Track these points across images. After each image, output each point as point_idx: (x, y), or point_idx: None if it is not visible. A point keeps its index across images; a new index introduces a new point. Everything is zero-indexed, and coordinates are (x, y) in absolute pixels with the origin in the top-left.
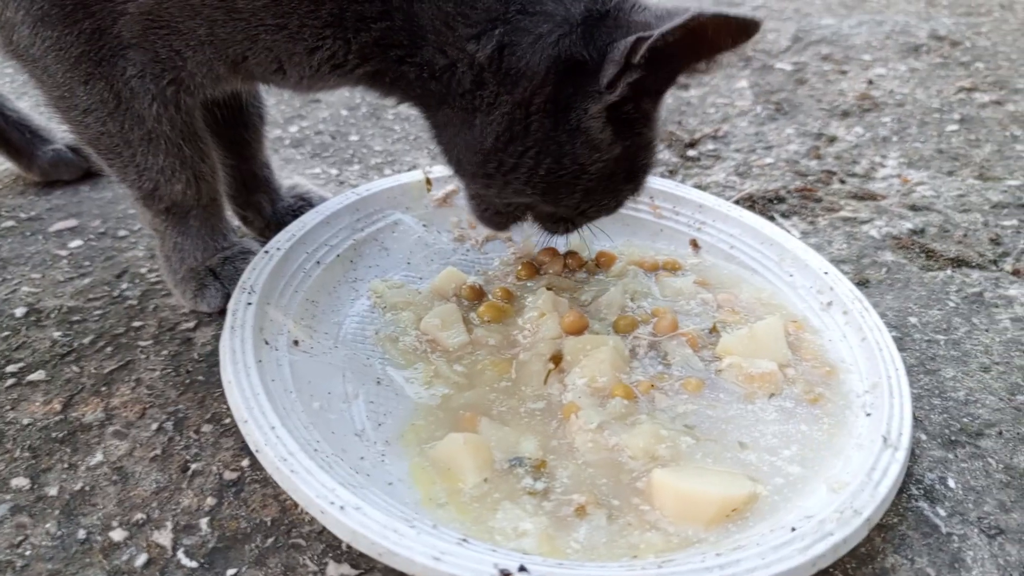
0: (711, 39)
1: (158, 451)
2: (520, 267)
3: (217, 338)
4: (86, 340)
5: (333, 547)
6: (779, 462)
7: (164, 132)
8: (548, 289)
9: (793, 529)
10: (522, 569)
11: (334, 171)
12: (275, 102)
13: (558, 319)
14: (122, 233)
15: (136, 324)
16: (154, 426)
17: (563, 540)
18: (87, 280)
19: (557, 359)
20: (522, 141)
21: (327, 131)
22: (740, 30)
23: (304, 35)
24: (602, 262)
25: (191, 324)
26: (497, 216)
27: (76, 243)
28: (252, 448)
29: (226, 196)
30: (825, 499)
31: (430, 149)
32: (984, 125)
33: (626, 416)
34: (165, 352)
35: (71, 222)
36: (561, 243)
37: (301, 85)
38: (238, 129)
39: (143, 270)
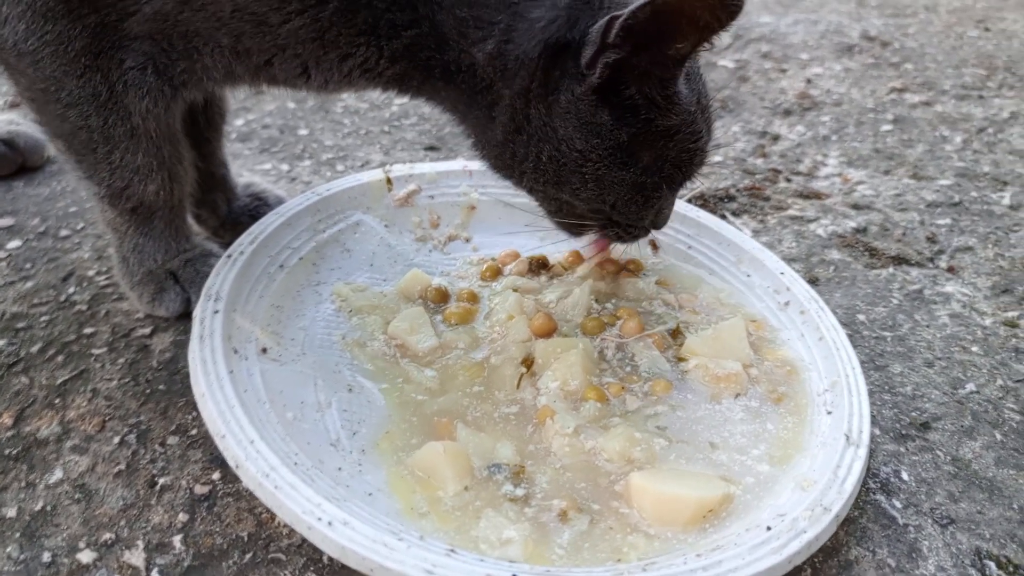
0: (689, 17)
1: (122, 466)
2: (484, 268)
3: (176, 344)
4: (34, 348)
5: (314, 560)
6: (749, 461)
7: (148, 130)
8: (514, 291)
9: (768, 528)
10: None
11: (285, 167)
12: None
13: (527, 321)
14: (64, 233)
15: (88, 331)
16: (116, 439)
17: (548, 546)
18: (30, 284)
19: (528, 362)
20: (524, 130)
21: (275, 125)
22: (719, 7)
23: (339, 43)
24: (567, 263)
25: (147, 330)
26: (568, 224)
27: (14, 244)
28: (231, 464)
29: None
30: (795, 497)
31: (383, 144)
32: (916, 125)
33: (600, 419)
34: (121, 360)
35: (7, 220)
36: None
37: (324, 88)
38: (200, 126)
39: (91, 272)
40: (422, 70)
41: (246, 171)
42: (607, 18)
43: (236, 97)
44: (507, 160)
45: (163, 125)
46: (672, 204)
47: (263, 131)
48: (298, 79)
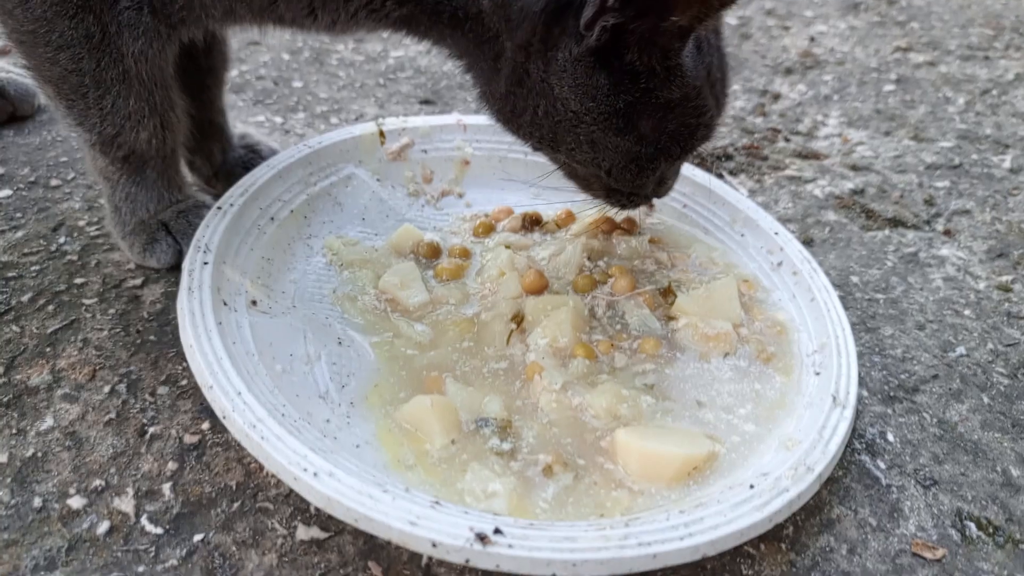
0: None
1: (112, 415)
2: (477, 224)
3: (166, 295)
4: (24, 298)
5: (301, 510)
6: (735, 420)
7: (140, 73)
8: (506, 247)
9: (751, 487)
10: (497, 531)
11: (278, 119)
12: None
13: (518, 278)
14: (55, 183)
15: (78, 281)
16: (106, 389)
17: (532, 500)
18: (20, 233)
19: (519, 319)
20: (524, 84)
21: (269, 76)
22: None
23: None
24: (560, 221)
25: (138, 281)
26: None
27: (5, 193)
28: (219, 414)
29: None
30: (779, 457)
31: (377, 97)
32: (919, 86)
33: (588, 376)
34: (112, 311)
35: None
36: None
37: (332, 29)
38: (200, 73)
39: (81, 223)
40: (429, 14)
41: (239, 123)
42: None
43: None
44: (507, 114)
45: (156, 69)
46: (675, 175)
47: (257, 82)
48: (305, 19)
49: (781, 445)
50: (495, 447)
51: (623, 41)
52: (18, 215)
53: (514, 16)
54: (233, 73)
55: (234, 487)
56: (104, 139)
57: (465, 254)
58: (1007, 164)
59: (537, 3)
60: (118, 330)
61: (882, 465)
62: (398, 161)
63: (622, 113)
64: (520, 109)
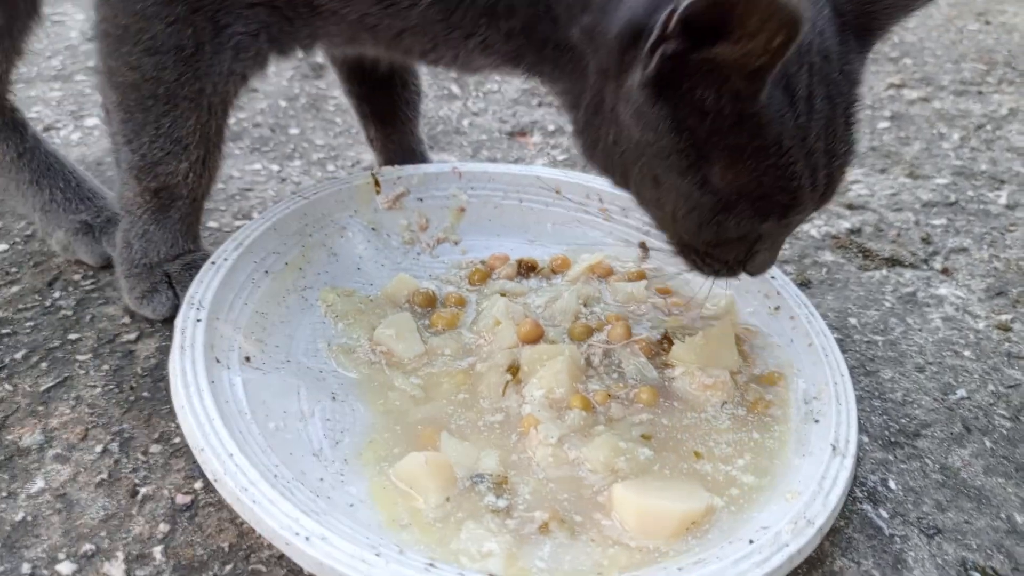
0: (746, 25)
1: (104, 475)
2: (472, 271)
3: (161, 350)
4: (18, 355)
5: (295, 572)
6: (734, 471)
7: (212, 97)
8: (502, 295)
9: (751, 542)
10: None
11: (275, 167)
12: None
13: (514, 327)
14: None
15: (72, 336)
16: (98, 448)
17: (528, 559)
18: (15, 288)
19: (514, 370)
20: (600, 111)
21: (266, 123)
22: (779, 23)
23: (463, 24)
24: (556, 267)
25: (132, 336)
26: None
27: (1, 247)
28: (210, 477)
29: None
30: (779, 509)
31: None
32: (913, 122)
33: (585, 429)
34: (106, 367)
35: None
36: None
37: (453, 64)
38: (394, 107)
39: (76, 276)
40: (535, 49)
41: (235, 171)
42: (669, 9)
43: None
44: (585, 146)
45: (228, 97)
46: (773, 248)
47: (254, 130)
48: (429, 54)
49: (781, 497)
50: (491, 504)
51: (687, 72)
52: (14, 269)
53: (598, 41)
54: (231, 121)
55: (226, 549)
56: (145, 163)
57: (461, 303)
58: (1003, 200)
59: (614, 27)
60: (112, 387)
61: (884, 514)
62: (393, 210)
63: (684, 151)
64: (594, 139)
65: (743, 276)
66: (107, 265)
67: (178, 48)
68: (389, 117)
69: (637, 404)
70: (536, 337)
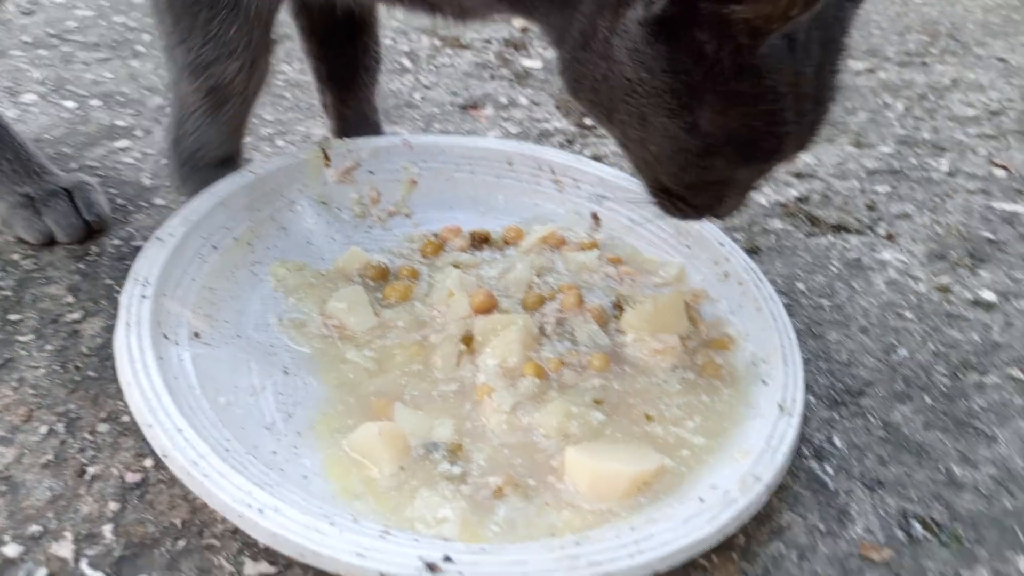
0: None
1: (50, 456)
2: (425, 244)
3: (107, 329)
4: None
5: (249, 545)
6: (684, 433)
7: (249, 7)
8: (455, 267)
9: (701, 500)
10: (447, 559)
11: None
12: (153, 67)
13: (467, 298)
14: None
15: (13, 317)
16: (43, 429)
17: (483, 524)
18: None
19: (468, 340)
20: (590, 45)
21: None
22: None
23: None
24: (508, 238)
25: (77, 315)
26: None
27: None
28: (159, 453)
29: (335, 136)
30: (728, 469)
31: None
32: (859, 93)
33: (538, 395)
34: (50, 347)
35: None
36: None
37: (449, 7)
38: (352, 72)
39: (15, 256)
40: None
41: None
42: None
43: None
44: (572, 81)
45: (264, 9)
46: (740, 194)
47: None
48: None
49: (730, 457)
50: (445, 472)
51: (693, 17)
52: None
53: None
54: None
55: (179, 525)
56: (198, 63)
57: (414, 275)
58: (944, 167)
59: None
60: (56, 367)
61: (830, 470)
62: (344, 183)
63: (677, 93)
64: (582, 74)
65: (693, 242)
66: (49, 243)
67: None
68: (347, 82)
69: (590, 370)
70: (489, 307)
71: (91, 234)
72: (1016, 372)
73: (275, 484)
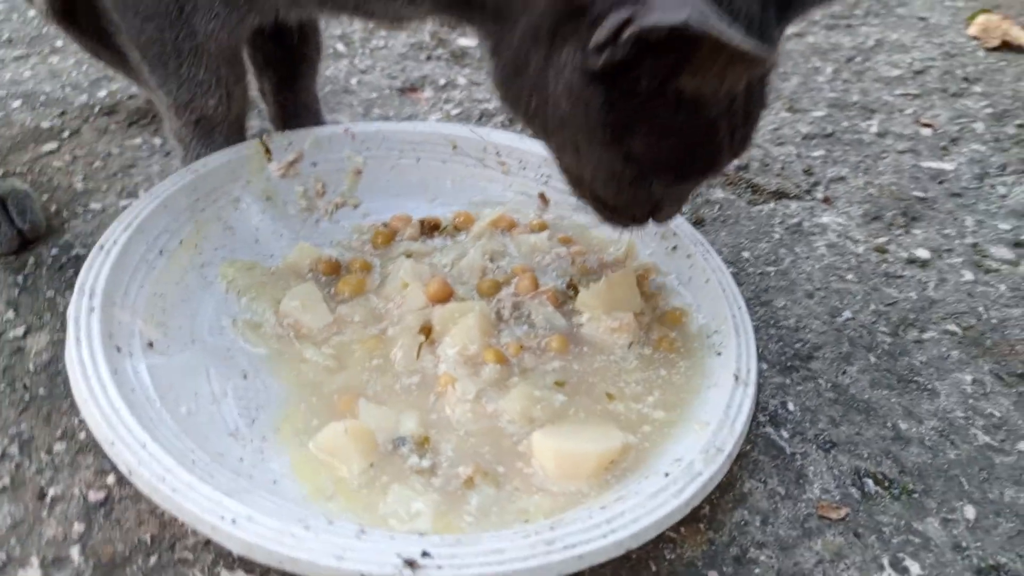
0: (707, 59)
1: (6, 480)
2: (375, 234)
3: (53, 344)
4: None
5: (223, 555)
6: (645, 409)
7: (211, 49)
8: (408, 257)
9: (666, 474)
10: (425, 554)
11: (157, 140)
12: (74, 63)
13: (422, 288)
14: None
15: None
16: None
17: (456, 515)
18: None
19: (427, 331)
20: (523, 72)
21: (141, 95)
22: (744, 67)
23: None
24: (459, 224)
25: (19, 331)
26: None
27: None
28: (124, 471)
29: (274, 125)
30: (690, 440)
31: (261, 110)
32: (790, 58)
33: (500, 381)
34: None
35: None
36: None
37: (384, 17)
38: (294, 61)
39: None
40: None
41: (115, 147)
42: (624, 17)
43: (96, 67)
44: (506, 99)
45: (225, 47)
46: (678, 201)
47: (129, 102)
48: (357, 8)
49: (690, 429)
50: (415, 465)
51: (630, 68)
52: None
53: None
54: (101, 94)
55: (149, 541)
56: (179, 103)
57: (366, 267)
58: (874, 129)
59: None
60: (3, 387)
61: (785, 435)
62: (287, 177)
63: (612, 126)
64: (515, 97)
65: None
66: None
67: (167, 13)
68: (286, 71)
69: (549, 352)
70: (445, 296)
71: (26, 243)
72: (952, 326)
73: (245, 491)
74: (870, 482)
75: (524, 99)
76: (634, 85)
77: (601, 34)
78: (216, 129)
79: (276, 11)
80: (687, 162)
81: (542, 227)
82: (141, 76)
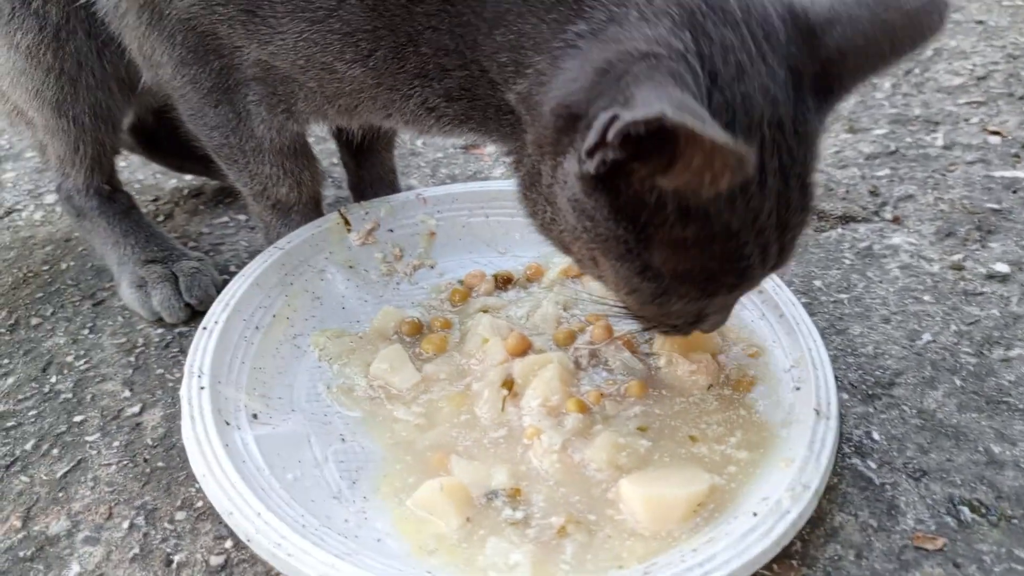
0: (688, 155)
1: (136, 550)
2: (451, 292)
3: (167, 418)
4: (28, 446)
5: None
6: (728, 450)
7: (269, 148)
8: (484, 312)
9: (755, 514)
10: None
11: (242, 217)
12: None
13: (501, 343)
14: (35, 321)
15: (77, 419)
16: (125, 524)
17: (553, 564)
18: (11, 380)
19: (509, 384)
20: (536, 185)
21: None
22: (723, 163)
23: (398, 86)
24: (530, 276)
25: (136, 408)
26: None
27: None
28: (243, 538)
29: (352, 193)
30: (776, 479)
31: (335, 178)
32: None
33: (584, 430)
34: (116, 443)
35: None
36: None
37: (410, 126)
38: (369, 138)
39: (69, 358)
40: (480, 110)
41: (204, 227)
42: (610, 116)
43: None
44: (526, 213)
45: (281, 144)
46: (720, 311)
47: (213, 183)
48: (386, 120)
49: (775, 467)
50: (509, 517)
51: (628, 173)
52: (5, 360)
53: (533, 112)
54: (189, 177)
55: None
56: (255, 192)
57: (446, 325)
58: (940, 142)
59: (548, 103)
60: (126, 462)
61: (873, 465)
62: (367, 244)
63: (623, 239)
64: (532, 211)
65: None
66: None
67: (227, 121)
68: (362, 147)
69: (629, 398)
70: (524, 349)
71: (195, 314)
72: None
73: (353, 552)
74: (966, 510)
75: (540, 212)
76: (636, 191)
77: (591, 136)
78: (292, 209)
79: (308, 120)
80: (711, 277)
81: None
82: (222, 174)
